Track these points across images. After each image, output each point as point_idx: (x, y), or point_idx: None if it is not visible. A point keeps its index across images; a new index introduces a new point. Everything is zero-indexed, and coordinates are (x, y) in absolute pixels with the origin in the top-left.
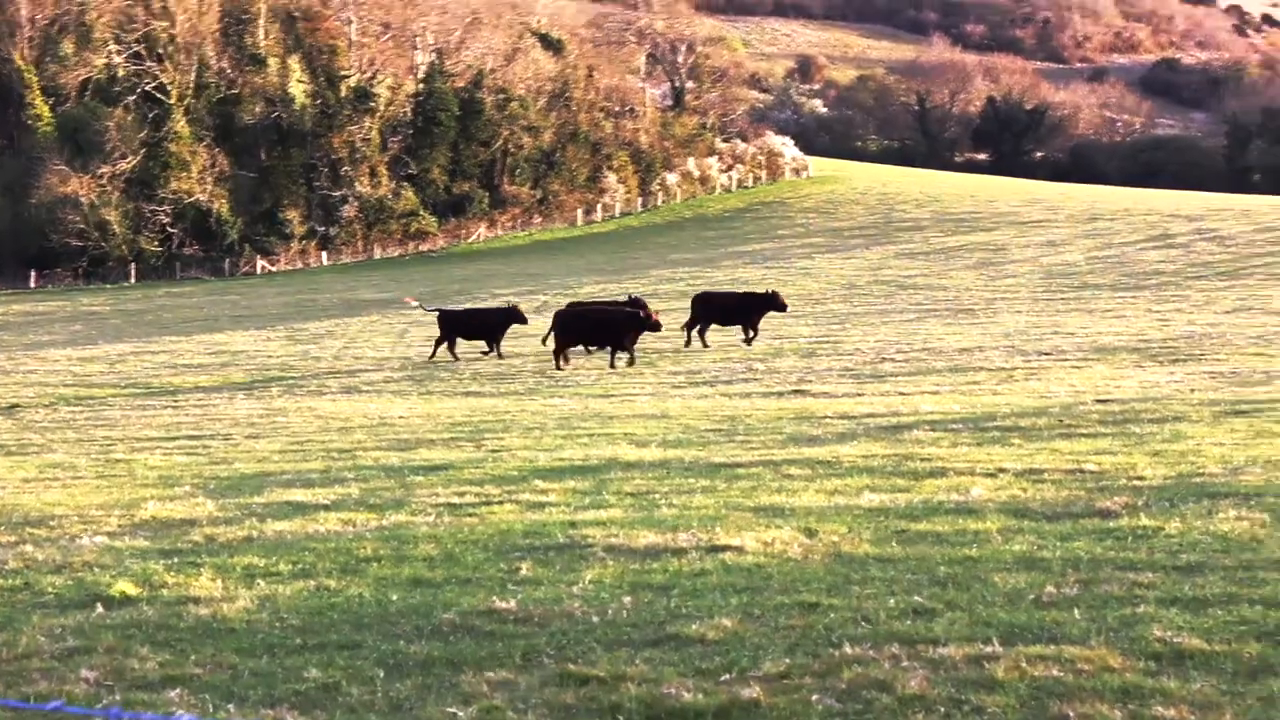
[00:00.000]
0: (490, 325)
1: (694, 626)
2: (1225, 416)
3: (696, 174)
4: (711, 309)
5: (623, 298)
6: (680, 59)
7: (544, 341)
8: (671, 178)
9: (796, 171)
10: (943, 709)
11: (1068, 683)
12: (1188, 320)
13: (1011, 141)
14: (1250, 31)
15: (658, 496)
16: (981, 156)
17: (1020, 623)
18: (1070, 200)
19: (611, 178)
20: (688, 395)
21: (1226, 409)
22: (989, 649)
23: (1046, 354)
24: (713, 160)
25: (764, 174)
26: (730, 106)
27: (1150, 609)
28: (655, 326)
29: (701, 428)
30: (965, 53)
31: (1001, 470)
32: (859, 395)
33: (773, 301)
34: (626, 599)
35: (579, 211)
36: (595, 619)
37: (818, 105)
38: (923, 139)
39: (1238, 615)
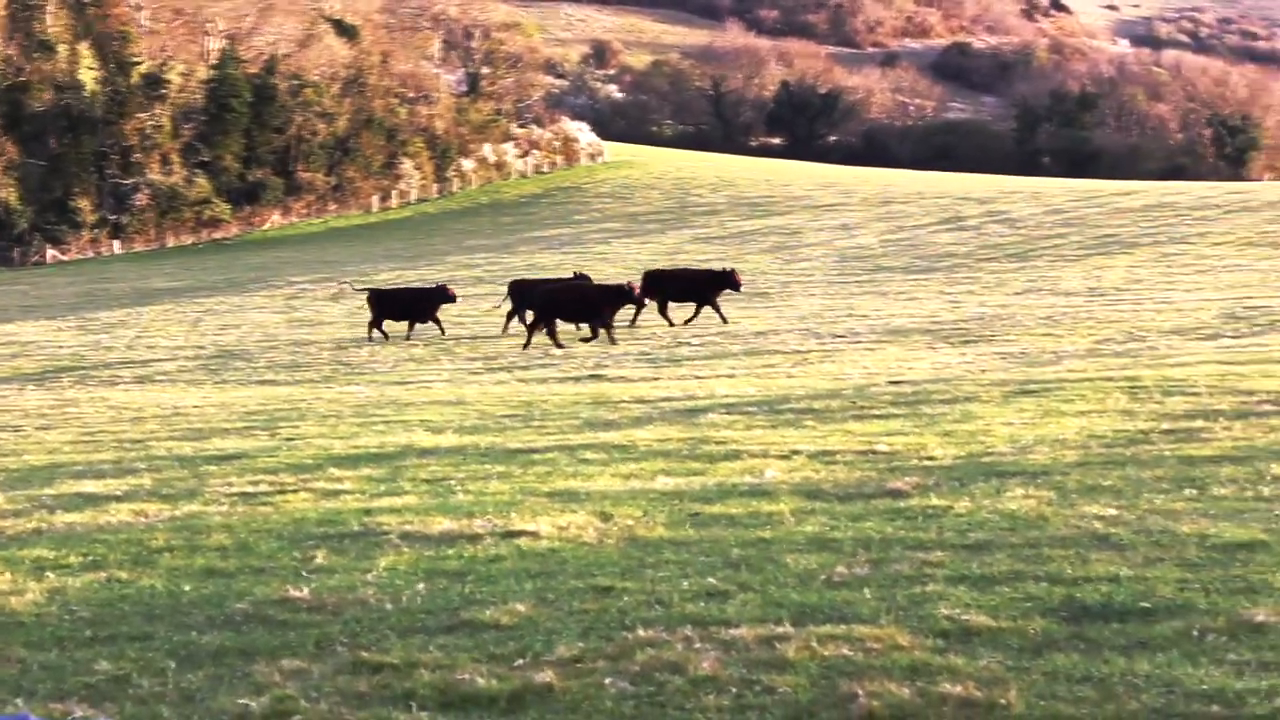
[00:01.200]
0: (421, 304)
1: (488, 612)
2: (1014, 396)
3: (493, 160)
4: (665, 287)
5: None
6: (475, 45)
7: (504, 321)
8: (468, 164)
9: (592, 157)
10: (734, 690)
11: (858, 661)
12: (979, 302)
13: (805, 126)
14: (1039, 16)
15: (453, 483)
16: (776, 141)
17: (812, 603)
18: (864, 184)
19: (407, 164)
20: (485, 381)
21: (1016, 389)
22: (780, 629)
23: (840, 336)
24: (509, 146)
25: (560, 159)
26: (526, 92)
27: (939, 587)
28: (639, 303)
29: (498, 413)
30: (759, 38)
31: (795, 452)
32: (655, 379)
33: (728, 279)
34: (421, 586)
35: (374, 198)
36: (389, 606)
37: (613, 91)
38: (718, 123)
39: (1024, 592)
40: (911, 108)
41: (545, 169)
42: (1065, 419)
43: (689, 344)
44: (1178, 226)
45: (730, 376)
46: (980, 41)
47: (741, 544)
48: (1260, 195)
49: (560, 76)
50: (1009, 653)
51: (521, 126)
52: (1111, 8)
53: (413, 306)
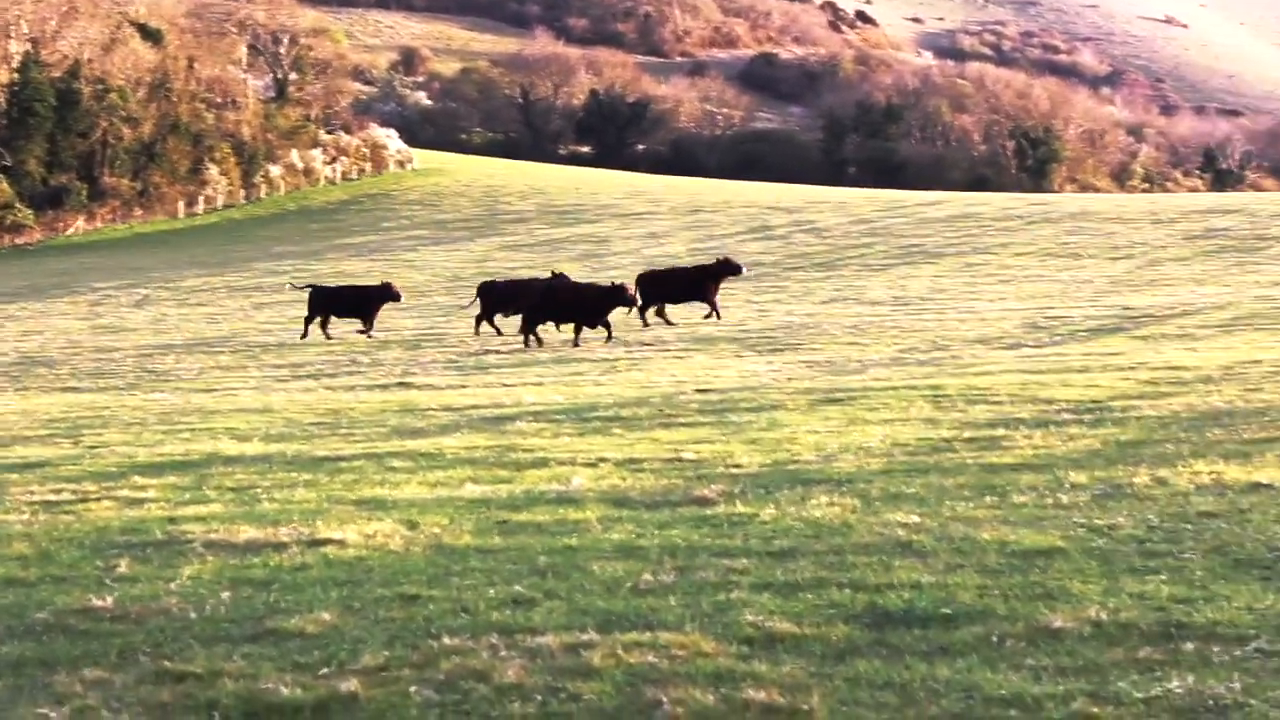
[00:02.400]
0: (362, 302)
1: (293, 621)
2: (820, 405)
3: (300, 166)
4: (661, 288)
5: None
6: (283, 50)
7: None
8: (275, 170)
9: (401, 164)
10: (540, 697)
11: (663, 668)
12: (786, 310)
13: (614, 134)
14: (845, 28)
15: (259, 491)
16: (585, 149)
17: (618, 610)
18: (672, 192)
19: (214, 170)
20: (292, 389)
21: (821, 397)
22: (586, 637)
23: (648, 344)
24: (316, 152)
25: (368, 166)
26: (334, 98)
27: (744, 594)
28: (631, 302)
29: (305, 421)
30: (568, 46)
31: (602, 460)
32: (463, 387)
33: (727, 267)
34: (225, 594)
35: (181, 204)
36: (193, 615)
37: (422, 98)
38: (527, 131)
39: (827, 599)
40: (719, 117)
41: (353, 176)
42: (870, 427)
43: (497, 352)
44: (981, 237)
45: (538, 384)
46: (787, 52)
47: (548, 551)
48: (1061, 207)
49: (369, 83)
50: (812, 659)
51: (329, 133)
52: (916, 20)
53: (354, 304)
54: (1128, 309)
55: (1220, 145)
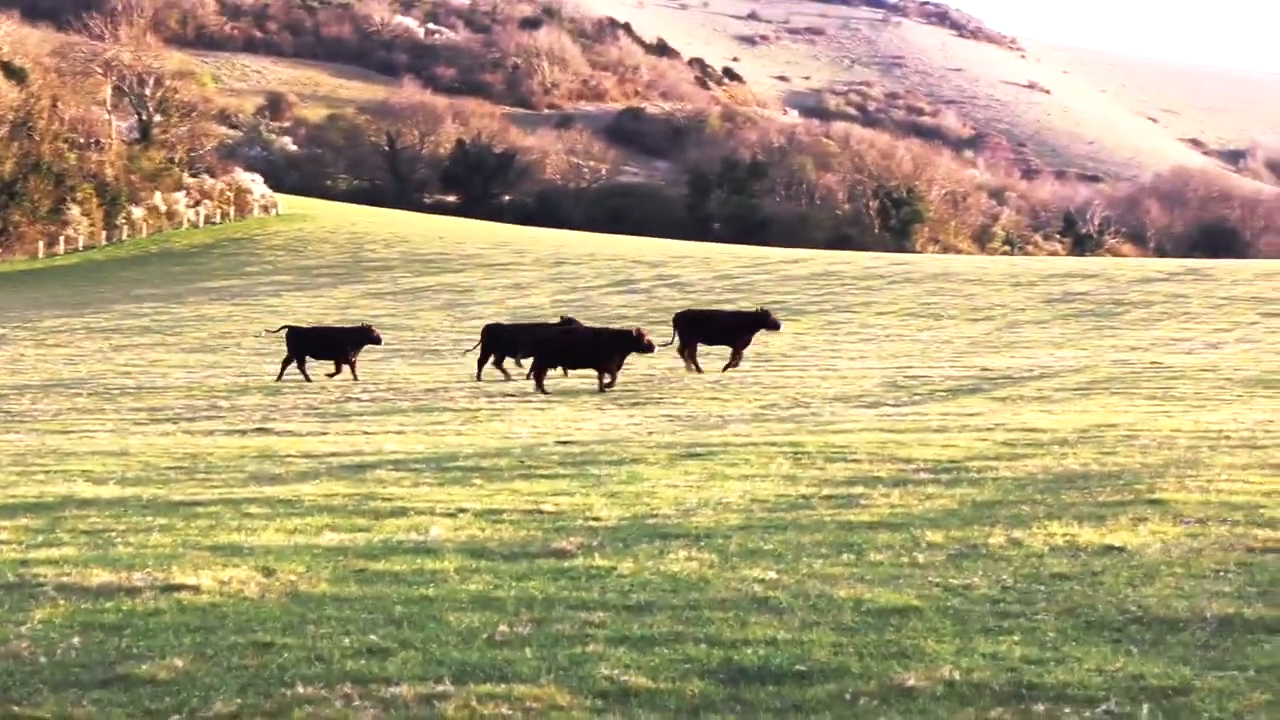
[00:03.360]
0: (340, 344)
1: (145, 667)
2: (680, 459)
3: (163, 208)
4: (697, 328)
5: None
6: (148, 92)
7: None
8: (138, 212)
9: (265, 209)
10: None
11: None
12: (648, 364)
13: (480, 184)
14: (712, 84)
15: (114, 535)
16: (451, 198)
17: (473, 661)
18: (537, 244)
19: (75, 210)
20: (149, 432)
21: (682, 452)
22: (441, 688)
23: (510, 395)
24: (180, 195)
25: (232, 210)
26: (199, 141)
27: (600, 647)
28: (648, 348)
29: (162, 465)
30: (436, 95)
31: (462, 510)
32: (324, 434)
33: (764, 320)
34: (76, 639)
35: (41, 243)
36: (43, 659)
37: (288, 143)
38: (393, 179)
39: (683, 654)
40: (586, 170)
41: (217, 219)
42: (729, 482)
43: (358, 399)
44: (843, 295)
45: (399, 433)
46: (654, 107)
47: (405, 601)
48: (922, 267)
49: (234, 127)
50: (666, 713)
51: (193, 176)
52: (783, 79)
53: (332, 345)
54: (986, 370)
55: (1080, 210)
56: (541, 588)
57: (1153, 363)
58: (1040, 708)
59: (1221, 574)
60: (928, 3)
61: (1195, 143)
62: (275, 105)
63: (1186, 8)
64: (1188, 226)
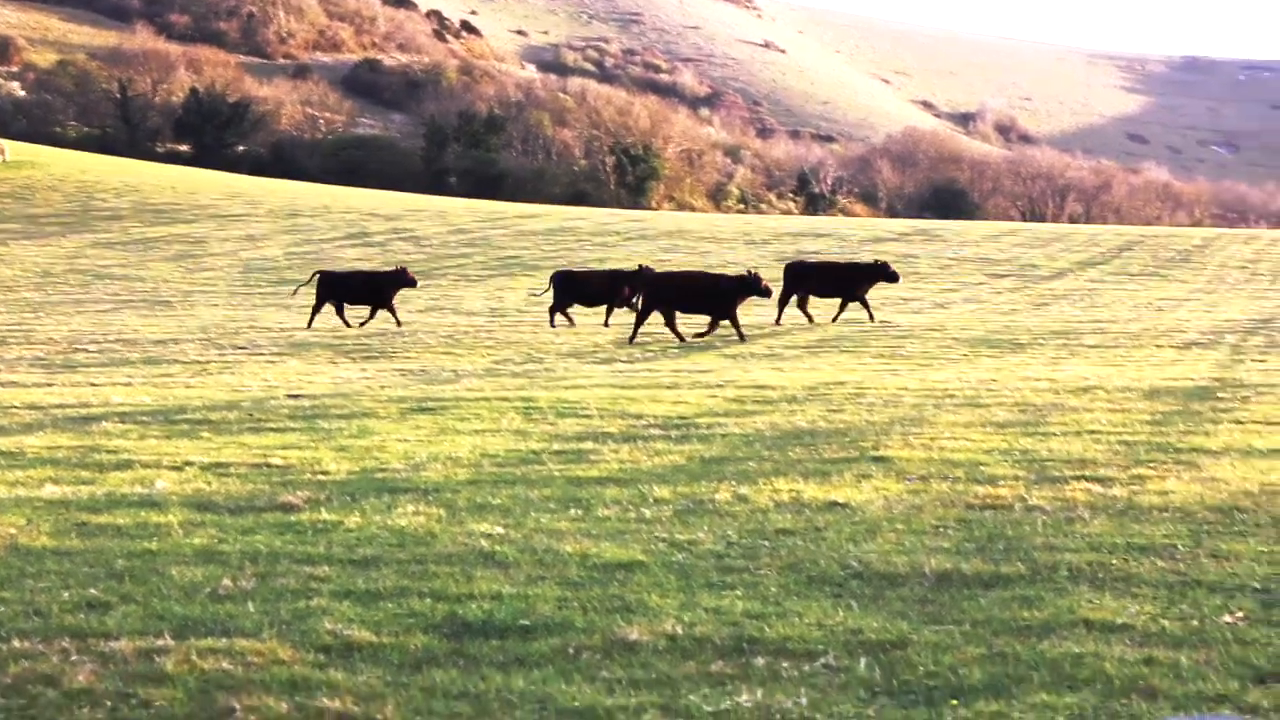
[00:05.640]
0: (378, 289)
1: None
2: (412, 413)
3: None
4: (808, 280)
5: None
6: None
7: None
8: None
9: None
10: (109, 703)
11: (237, 675)
12: (383, 317)
13: (214, 134)
14: (450, 37)
15: None
16: (184, 148)
17: (194, 616)
18: (271, 195)
19: None
20: None
21: (413, 406)
22: (161, 642)
23: (242, 348)
24: None
25: None
26: None
27: (324, 602)
28: (766, 293)
29: None
30: (169, 42)
31: (188, 463)
32: (49, 385)
33: (883, 271)
34: None
35: None
36: None
37: (15, 88)
38: (124, 128)
39: (407, 608)
40: (321, 121)
41: None
42: (460, 437)
43: (85, 350)
44: (579, 251)
45: (127, 385)
46: (391, 59)
47: (127, 555)
48: (658, 224)
49: None
50: (389, 668)
51: None
52: (521, 33)
53: (368, 291)
54: (719, 335)
55: (813, 169)
56: (267, 542)
57: (882, 322)
58: (760, 661)
59: (941, 530)
60: None
61: (927, 105)
62: (2, 49)
63: None
64: (918, 187)
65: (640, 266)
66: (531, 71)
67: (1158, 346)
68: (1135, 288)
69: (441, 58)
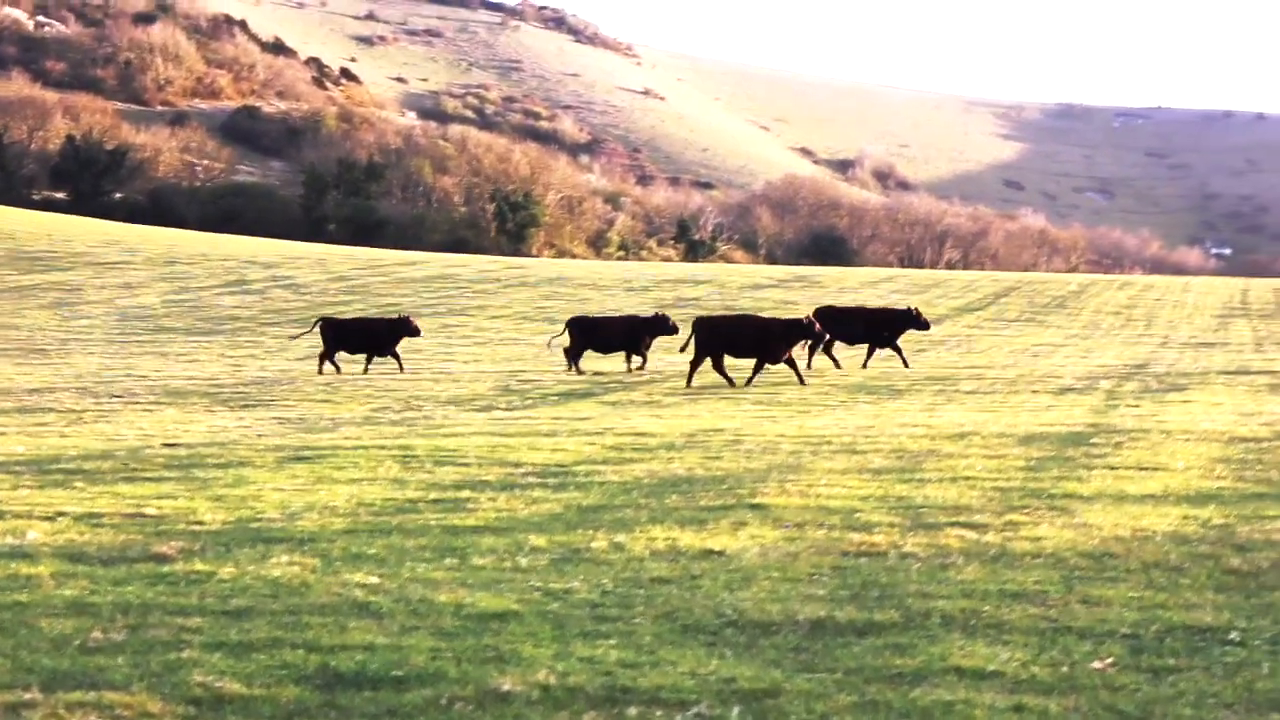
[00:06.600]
0: (378, 336)
1: None
2: (288, 462)
3: None
4: (840, 326)
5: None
6: None
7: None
8: None
9: None
10: None
11: None
12: (260, 366)
13: (91, 181)
14: (329, 84)
15: None
16: (60, 195)
17: (64, 669)
18: (148, 243)
19: None
20: None
21: (290, 455)
22: (29, 695)
23: (118, 396)
24: None
25: None
26: None
27: (195, 653)
28: (820, 336)
29: None
30: (45, 89)
31: (61, 514)
32: None
33: (914, 320)
34: None
35: None
36: None
37: None
38: (0, 175)
39: (280, 659)
40: (200, 169)
41: None
42: (337, 486)
43: None
44: (458, 298)
45: (1, 434)
46: (270, 106)
47: None
48: (537, 271)
49: None
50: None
51: None
52: (400, 80)
53: (370, 338)
54: (598, 374)
55: (693, 216)
56: (139, 593)
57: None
58: (633, 711)
59: (816, 578)
60: (545, 8)
61: (806, 152)
62: None
63: (797, 20)
64: (798, 234)
65: (657, 313)
66: (411, 119)
67: (1033, 392)
68: (1012, 334)
69: (321, 105)
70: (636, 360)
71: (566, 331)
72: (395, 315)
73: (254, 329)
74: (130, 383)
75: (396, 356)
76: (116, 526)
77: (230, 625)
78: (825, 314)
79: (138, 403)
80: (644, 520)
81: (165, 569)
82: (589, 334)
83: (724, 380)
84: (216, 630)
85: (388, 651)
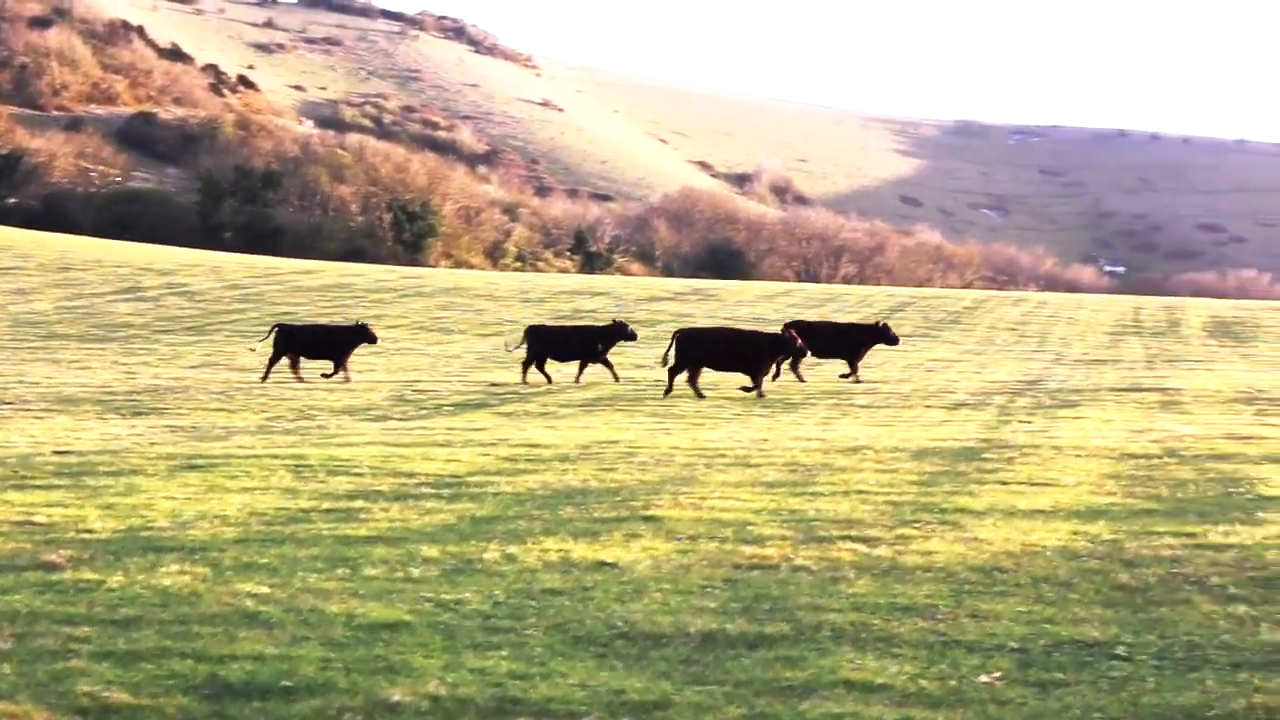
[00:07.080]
0: (337, 343)
1: None
2: (180, 471)
3: None
4: (809, 341)
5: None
6: None
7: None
8: None
9: None
10: None
11: None
12: (154, 374)
13: None
14: (226, 91)
15: None
16: None
17: None
18: (42, 248)
19: None
20: None
21: (183, 463)
22: None
23: (9, 404)
24: None
25: None
26: None
27: (83, 663)
28: (802, 352)
29: None
30: None
31: None
32: None
33: (884, 335)
34: None
35: None
36: None
37: None
38: None
39: (168, 669)
40: (95, 174)
41: None
42: (229, 495)
43: None
44: (354, 308)
45: None
46: (167, 112)
47: None
48: (434, 281)
49: None
50: None
51: None
52: (299, 88)
53: (325, 345)
54: (494, 385)
55: (591, 228)
56: (27, 601)
57: (657, 381)
58: None
59: (708, 590)
60: (445, 18)
61: (704, 165)
62: None
63: (696, 34)
64: (695, 247)
65: (614, 321)
66: (309, 127)
67: (927, 407)
68: (906, 348)
69: (218, 112)
70: (588, 370)
71: (524, 340)
72: (355, 323)
73: (148, 336)
74: (21, 389)
75: (346, 368)
76: (5, 534)
77: (118, 634)
78: (795, 328)
79: (29, 410)
80: (537, 532)
81: (54, 577)
82: (547, 343)
83: (695, 393)
84: (104, 639)
85: (277, 661)
